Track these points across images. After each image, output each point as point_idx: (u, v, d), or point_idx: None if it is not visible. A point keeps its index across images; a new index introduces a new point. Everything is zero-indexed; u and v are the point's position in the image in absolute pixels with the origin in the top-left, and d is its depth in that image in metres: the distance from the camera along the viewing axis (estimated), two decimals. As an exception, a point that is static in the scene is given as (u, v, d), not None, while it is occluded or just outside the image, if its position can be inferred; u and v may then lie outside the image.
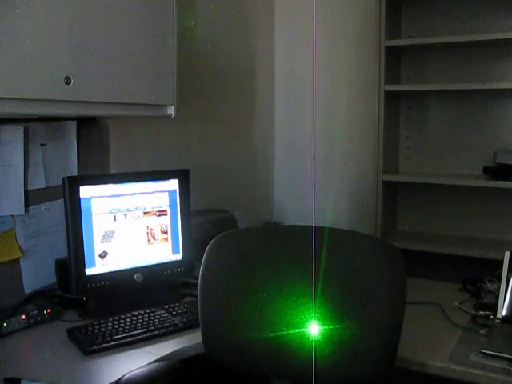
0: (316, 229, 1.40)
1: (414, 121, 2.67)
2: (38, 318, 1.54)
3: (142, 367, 1.28)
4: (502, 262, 1.64)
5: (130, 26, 1.61)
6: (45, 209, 1.73)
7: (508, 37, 2.18)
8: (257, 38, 2.64)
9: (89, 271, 1.62)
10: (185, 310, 1.61)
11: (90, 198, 1.62)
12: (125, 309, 1.58)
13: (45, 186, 1.72)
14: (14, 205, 1.64)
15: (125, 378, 1.22)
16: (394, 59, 2.57)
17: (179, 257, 1.80)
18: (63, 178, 1.60)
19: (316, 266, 1.34)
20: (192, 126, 2.28)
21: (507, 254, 1.65)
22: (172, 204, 1.78)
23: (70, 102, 1.47)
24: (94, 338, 1.40)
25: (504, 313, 1.56)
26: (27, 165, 1.66)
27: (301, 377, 1.34)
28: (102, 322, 1.49)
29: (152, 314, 1.56)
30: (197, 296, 1.41)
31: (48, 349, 1.40)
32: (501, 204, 2.48)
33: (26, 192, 1.67)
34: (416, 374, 1.39)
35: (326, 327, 1.31)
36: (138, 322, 1.50)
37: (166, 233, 1.77)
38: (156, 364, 1.31)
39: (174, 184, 1.79)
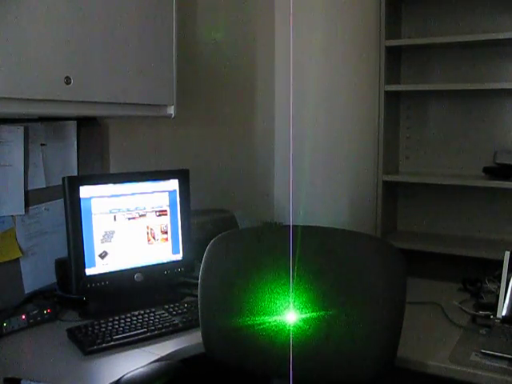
0: (316, 229, 1.41)
1: (414, 121, 2.67)
2: (38, 318, 1.54)
3: (141, 367, 1.28)
4: (502, 261, 1.64)
5: (130, 26, 1.61)
6: (45, 209, 1.73)
7: (508, 37, 2.18)
8: (257, 38, 2.64)
9: (89, 271, 1.62)
10: (185, 309, 1.61)
11: (89, 198, 1.62)
12: (125, 309, 1.58)
13: (45, 186, 1.72)
14: (14, 205, 1.64)
15: (125, 378, 1.22)
16: (394, 59, 2.57)
17: (179, 257, 1.80)
18: (63, 178, 1.60)
19: (315, 265, 1.34)
20: (192, 126, 2.28)
21: (507, 254, 1.65)
22: (172, 204, 1.78)
23: (70, 102, 1.47)
24: (94, 337, 1.40)
25: (504, 313, 1.56)
26: (27, 165, 1.66)
27: (300, 376, 1.34)
28: (102, 321, 1.49)
29: (152, 314, 1.56)
30: (197, 296, 1.41)
31: (48, 349, 1.40)
32: (501, 204, 2.48)
33: (26, 192, 1.67)
34: (416, 373, 1.39)
35: (326, 327, 1.31)
36: (138, 322, 1.50)
37: (166, 233, 1.77)
38: (156, 364, 1.31)
39: (173, 184, 1.79)
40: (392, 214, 2.69)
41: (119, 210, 1.68)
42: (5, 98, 1.33)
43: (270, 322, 1.36)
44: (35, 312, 1.53)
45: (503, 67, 2.44)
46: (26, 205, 1.67)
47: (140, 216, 1.72)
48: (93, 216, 1.62)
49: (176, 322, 1.53)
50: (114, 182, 1.68)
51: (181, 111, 1.81)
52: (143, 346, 1.42)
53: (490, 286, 1.79)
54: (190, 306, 1.63)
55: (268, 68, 2.73)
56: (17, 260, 1.66)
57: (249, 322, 1.37)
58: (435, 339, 1.50)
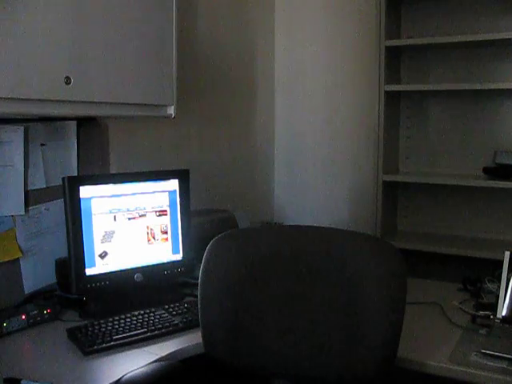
0: (316, 229, 1.41)
1: (414, 121, 2.67)
2: (38, 318, 1.54)
3: (141, 367, 1.28)
4: (502, 262, 1.64)
5: (130, 27, 1.61)
6: (45, 209, 1.73)
7: (508, 37, 2.18)
8: (257, 38, 2.64)
9: (89, 271, 1.62)
10: (185, 309, 1.61)
11: (89, 198, 1.62)
12: (125, 309, 1.58)
13: (45, 186, 1.72)
14: (14, 205, 1.64)
15: (125, 378, 1.22)
16: (394, 59, 2.57)
17: (179, 257, 1.80)
18: (63, 178, 1.60)
19: (316, 265, 1.34)
20: (192, 126, 2.28)
21: (507, 254, 1.65)
22: (172, 204, 1.78)
23: (70, 102, 1.47)
24: (94, 337, 1.40)
25: (504, 313, 1.56)
26: (27, 165, 1.66)
27: (300, 376, 1.34)
28: (101, 322, 1.49)
29: (152, 314, 1.56)
30: (197, 296, 1.41)
31: (48, 349, 1.40)
32: (501, 204, 2.48)
33: (26, 192, 1.66)
34: (416, 373, 1.39)
35: (325, 327, 1.31)
36: (138, 322, 1.50)
37: (166, 233, 1.77)
38: (156, 364, 1.31)
39: (174, 184, 1.79)
40: (392, 214, 2.69)
41: (119, 209, 1.68)
42: (5, 98, 1.33)
43: (269, 322, 1.36)
44: (35, 312, 1.54)
45: (503, 67, 2.43)
46: (26, 205, 1.67)
47: (140, 216, 1.72)
48: (93, 216, 1.62)
49: (176, 322, 1.53)
50: (114, 182, 1.68)
51: (181, 111, 1.81)
52: (143, 346, 1.42)
53: (490, 286, 1.80)
54: (190, 305, 1.63)
55: (268, 68, 2.73)
56: (17, 260, 1.65)
57: (248, 322, 1.37)
58: (435, 339, 1.50)
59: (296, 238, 1.39)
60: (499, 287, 1.62)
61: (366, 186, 2.56)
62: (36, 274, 1.70)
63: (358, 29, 2.54)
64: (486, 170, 2.37)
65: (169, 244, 1.78)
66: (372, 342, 1.25)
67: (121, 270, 1.67)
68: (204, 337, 1.40)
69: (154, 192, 1.75)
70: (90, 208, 1.62)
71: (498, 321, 1.56)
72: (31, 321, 1.52)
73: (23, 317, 1.51)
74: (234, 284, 1.37)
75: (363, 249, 1.31)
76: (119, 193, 1.68)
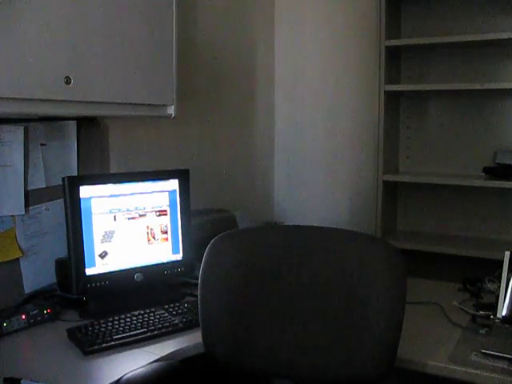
0: (316, 229, 1.41)
1: (414, 121, 2.67)
2: (38, 318, 1.54)
3: (141, 367, 1.28)
4: (502, 261, 1.64)
5: (130, 26, 1.61)
6: (45, 209, 1.73)
7: (508, 37, 2.18)
8: (257, 38, 2.64)
9: (89, 271, 1.62)
10: (185, 309, 1.61)
11: (89, 198, 1.62)
12: (125, 309, 1.58)
13: (45, 186, 1.72)
14: (14, 205, 1.64)
15: (125, 378, 1.22)
16: (394, 59, 2.57)
17: (179, 257, 1.80)
18: (63, 178, 1.60)
19: (316, 265, 1.34)
20: (192, 126, 2.28)
21: (507, 254, 1.65)
22: (172, 204, 1.78)
23: (70, 101, 1.48)
24: (94, 337, 1.40)
25: (504, 313, 1.56)
26: (27, 165, 1.66)
27: (301, 376, 1.34)
28: (101, 321, 1.49)
29: (152, 314, 1.56)
30: (197, 296, 1.41)
31: (48, 349, 1.40)
32: (501, 204, 2.48)
33: (26, 192, 1.67)
34: (416, 373, 1.39)
35: (326, 327, 1.31)
36: (138, 322, 1.50)
37: (166, 233, 1.77)
38: (156, 364, 1.31)
39: (173, 184, 1.79)
40: (392, 214, 2.69)
41: (119, 209, 1.68)
42: (5, 98, 1.33)
43: (269, 322, 1.36)
44: (35, 312, 1.53)
45: (503, 67, 2.43)
46: (26, 205, 1.67)
47: (140, 216, 1.72)
48: (93, 216, 1.62)
49: (176, 321, 1.53)
50: (114, 182, 1.68)
51: (181, 111, 1.81)
52: (143, 346, 1.42)
53: (490, 286, 1.80)
54: (190, 305, 1.63)
55: (268, 68, 2.73)
56: (17, 260, 1.65)
57: (248, 322, 1.37)
58: (435, 339, 1.50)
59: (296, 238, 1.39)
60: (499, 287, 1.62)
61: (366, 185, 2.56)
62: (36, 274, 1.70)
63: (358, 29, 2.54)
64: (486, 170, 2.37)
65: (169, 244, 1.78)
66: (372, 342, 1.25)
67: (121, 270, 1.67)
68: (204, 337, 1.40)
69: (153, 192, 1.75)
70: (89, 208, 1.62)
71: (498, 321, 1.56)
72: (31, 321, 1.52)
73: (23, 317, 1.51)
74: (234, 284, 1.37)
75: (363, 249, 1.31)
76: (119, 193, 1.68)
